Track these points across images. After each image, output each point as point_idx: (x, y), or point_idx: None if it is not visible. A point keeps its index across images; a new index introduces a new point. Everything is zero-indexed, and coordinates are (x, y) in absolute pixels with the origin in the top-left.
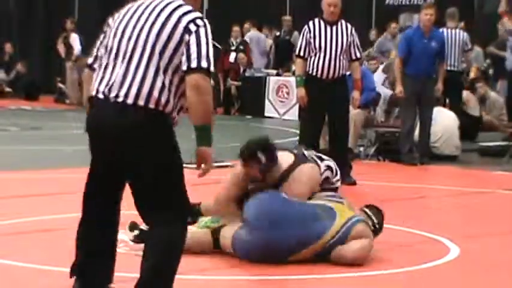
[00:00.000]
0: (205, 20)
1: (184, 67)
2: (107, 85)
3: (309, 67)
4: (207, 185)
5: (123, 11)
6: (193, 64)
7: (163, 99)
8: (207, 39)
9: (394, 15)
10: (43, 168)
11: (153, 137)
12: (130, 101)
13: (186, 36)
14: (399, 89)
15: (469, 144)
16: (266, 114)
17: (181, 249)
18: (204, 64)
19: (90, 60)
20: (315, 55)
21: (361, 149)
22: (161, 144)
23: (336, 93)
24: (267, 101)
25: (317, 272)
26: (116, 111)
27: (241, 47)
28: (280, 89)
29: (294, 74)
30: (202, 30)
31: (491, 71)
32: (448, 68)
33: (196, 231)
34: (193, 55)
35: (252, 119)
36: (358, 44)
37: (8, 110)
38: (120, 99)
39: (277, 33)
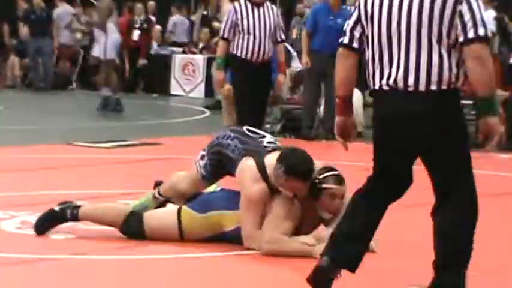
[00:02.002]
0: None
1: (461, 38)
2: (390, 76)
3: (237, 49)
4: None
5: None
6: (471, 34)
7: (453, 78)
8: (478, 5)
9: None
10: None
11: (452, 117)
12: (422, 88)
13: (458, 6)
14: (305, 60)
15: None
16: (172, 92)
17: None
18: (481, 32)
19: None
20: (242, 37)
21: (268, 126)
22: (458, 122)
23: (262, 76)
24: (173, 79)
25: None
26: (409, 101)
27: (146, 25)
28: (186, 67)
29: (201, 51)
30: None
31: None
32: None
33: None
34: (469, 24)
35: (158, 97)
36: (283, 26)
37: None
38: (411, 88)
39: (205, 12)
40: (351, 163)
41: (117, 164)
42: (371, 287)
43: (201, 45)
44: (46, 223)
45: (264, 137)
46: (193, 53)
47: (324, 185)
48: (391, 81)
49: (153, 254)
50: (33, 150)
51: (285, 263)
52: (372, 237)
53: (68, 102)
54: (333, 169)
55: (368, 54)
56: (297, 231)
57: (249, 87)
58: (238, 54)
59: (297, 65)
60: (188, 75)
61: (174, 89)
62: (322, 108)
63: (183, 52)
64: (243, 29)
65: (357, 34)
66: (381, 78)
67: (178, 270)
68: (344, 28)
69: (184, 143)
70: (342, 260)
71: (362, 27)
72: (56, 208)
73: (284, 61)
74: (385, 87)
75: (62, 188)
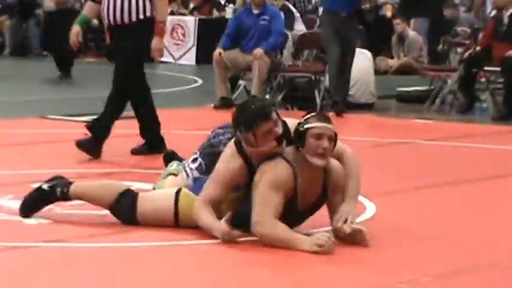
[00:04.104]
0: None
1: None
2: None
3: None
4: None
5: None
6: None
7: None
8: None
9: None
10: None
11: None
12: None
13: None
14: None
15: (386, 89)
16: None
17: None
18: None
19: None
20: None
21: (267, 96)
22: None
23: (119, 42)
24: None
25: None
26: None
27: None
28: (175, 30)
29: (191, 12)
30: None
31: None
32: None
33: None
34: None
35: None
36: None
37: None
38: None
39: None
40: (362, 138)
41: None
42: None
43: (191, 6)
44: (34, 204)
45: None
46: (183, 14)
47: (306, 126)
48: None
49: (135, 242)
50: (1, 124)
51: (279, 250)
52: None
53: (41, 71)
54: (314, 112)
55: None
56: (298, 202)
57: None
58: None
59: (300, 28)
60: (177, 39)
61: None
62: (327, 77)
63: (171, 13)
64: None
65: None
66: None
67: (159, 260)
68: None
69: (173, 116)
70: None
71: None
72: (45, 186)
73: (162, 20)
74: None
75: (35, 167)
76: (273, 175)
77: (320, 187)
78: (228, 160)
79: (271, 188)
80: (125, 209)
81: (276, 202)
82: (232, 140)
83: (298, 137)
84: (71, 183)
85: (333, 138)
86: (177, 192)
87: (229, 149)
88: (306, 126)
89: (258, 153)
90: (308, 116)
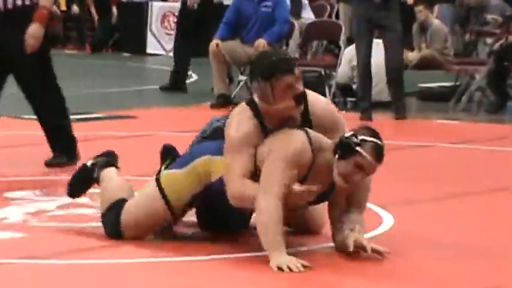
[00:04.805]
0: None
1: None
2: None
3: None
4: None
5: None
6: None
7: None
8: None
9: None
10: None
11: None
12: None
13: None
14: None
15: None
16: (148, 50)
17: None
18: None
19: None
20: None
21: None
22: None
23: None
24: (149, 34)
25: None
26: None
27: None
28: (166, 18)
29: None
30: None
31: None
32: None
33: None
34: None
35: (131, 57)
36: None
37: None
38: None
39: None
40: None
41: (78, 143)
42: None
43: None
44: (79, 185)
45: None
46: (175, 0)
47: (358, 148)
48: None
49: (118, 258)
50: None
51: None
52: None
53: None
54: (375, 135)
55: None
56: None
57: None
58: None
59: (308, 16)
60: (169, 29)
61: (151, 46)
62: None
63: None
64: None
65: None
66: None
67: (143, 278)
68: None
69: (165, 116)
70: None
71: None
72: (89, 163)
73: (45, 5)
74: None
75: (3, 174)
76: (286, 147)
77: (331, 179)
78: (239, 122)
79: (284, 162)
80: (110, 222)
81: (285, 179)
82: (243, 102)
83: (344, 147)
84: (112, 164)
85: (371, 173)
86: (157, 180)
87: (239, 110)
88: (357, 148)
89: (273, 112)
90: (368, 138)
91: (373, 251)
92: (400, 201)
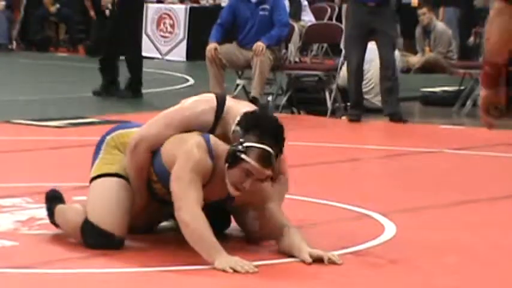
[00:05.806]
0: None
1: None
2: None
3: None
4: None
5: None
6: None
7: None
8: None
9: None
10: None
11: None
12: None
13: None
14: None
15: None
16: (143, 53)
17: None
18: None
19: None
20: None
21: (270, 98)
22: None
23: None
24: (144, 37)
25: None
26: None
27: None
28: (162, 20)
29: (181, 0)
30: None
31: None
32: None
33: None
34: None
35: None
36: None
37: None
38: None
39: None
40: (379, 147)
41: (71, 149)
42: None
43: None
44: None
45: None
46: (172, 2)
47: (243, 156)
48: None
49: (111, 268)
50: None
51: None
52: None
53: (6, 66)
54: (267, 137)
55: None
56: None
57: None
58: None
59: (309, 18)
60: (165, 31)
61: (146, 49)
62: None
63: (158, 0)
64: None
65: None
66: None
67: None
68: None
69: None
70: None
71: None
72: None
73: None
74: None
75: None
76: (194, 156)
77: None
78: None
79: (193, 171)
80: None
81: (198, 188)
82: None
83: (230, 157)
84: (57, 203)
85: (267, 179)
86: (93, 178)
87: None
88: (242, 156)
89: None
90: (253, 144)
91: (330, 261)
92: (403, 209)
